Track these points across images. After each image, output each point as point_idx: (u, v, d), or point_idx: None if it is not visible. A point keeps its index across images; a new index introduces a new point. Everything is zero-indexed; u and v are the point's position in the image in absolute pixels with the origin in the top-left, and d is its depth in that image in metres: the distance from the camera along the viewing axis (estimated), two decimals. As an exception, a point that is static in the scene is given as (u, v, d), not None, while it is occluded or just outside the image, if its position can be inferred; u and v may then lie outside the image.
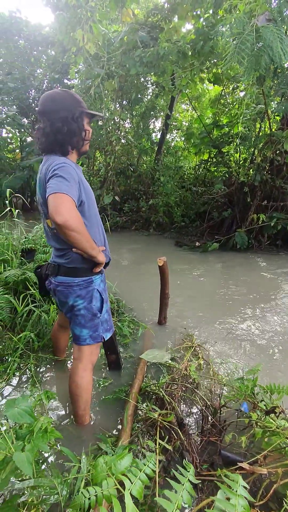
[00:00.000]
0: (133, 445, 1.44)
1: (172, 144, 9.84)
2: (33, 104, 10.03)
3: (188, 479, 0.96)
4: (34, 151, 9.18)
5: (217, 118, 7.68)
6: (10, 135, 10.28)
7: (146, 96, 8.18)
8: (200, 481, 1.21)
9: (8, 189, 3.20)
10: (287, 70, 4.79)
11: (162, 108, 8.30)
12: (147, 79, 7.34)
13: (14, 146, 10.83)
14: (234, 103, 7.47)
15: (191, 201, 7.57)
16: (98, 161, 9.24)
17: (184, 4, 5.04)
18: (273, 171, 5.68)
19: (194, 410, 1.75)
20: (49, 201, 1.15)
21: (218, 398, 1.65)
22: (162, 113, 8.46)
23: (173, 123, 9.37)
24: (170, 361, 2.12)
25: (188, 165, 9.24)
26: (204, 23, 5.17)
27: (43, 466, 1.34)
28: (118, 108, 7.21)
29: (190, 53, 5.34)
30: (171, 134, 10.00)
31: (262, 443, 1.38)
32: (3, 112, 8.91)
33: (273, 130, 5.58)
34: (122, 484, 0.96)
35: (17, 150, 10.75)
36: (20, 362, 2.06)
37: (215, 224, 6.77)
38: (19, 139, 10.39)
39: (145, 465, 1.03)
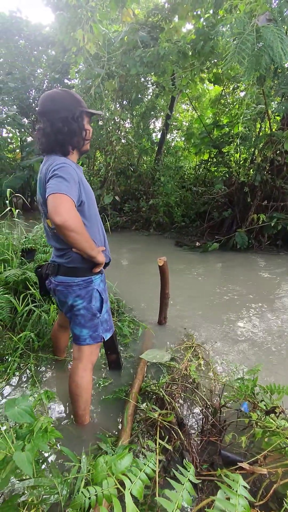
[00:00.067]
0: (133, 445, 1.44)
1: (173, 144, 9.84)
2: (33, 104, 10.04)
3: (189, 479, 0.96)
4: (34, 151, 9.19)
5: (218, 118, 7.68)
6: (10, 135, 10.30)
7: (146, 96, 8.19)
8: (200, 481, 1.21)
9: (8, 189, 3.20)
10: (287, 70, 4.79)
11: (162, 108, 8.30)
12: (147, 79, 7.34)
13: (14, 146, 10.84)
14: (235, 103, 7.47)
15: (191, 201, 7.58)
16: (98, 161, 9.24)
17: (185, 4, 5.04)
18: (273, 171, 5.68)
19: (194, 410, 1.75)
20: (48, 202, 1.15)
21: (218, 398, 1.65)
22: (162, 113, 8.46)
23: (173, 123, 9.37)
24: (170, 361, 2.12)
25: (188, 165, 9.24)
26: (204, 23, 5.18)
27: (43, 466, 1.33)
28: (118, 108, 7.21)
29: (190, 53, 5.34)
30: (171, 134, 10.01)
31: (262, 443, 1.38)
32: (3, 112, 8.92)
33: (274, 130, 5.59)
34: (122, 483, 0.96)
35: (17, 150, 10.76)
36: (20, 362, 2.06)
37: (215, 224, 6.77)
38: (19, 139, 10.41)
39: (145, 464, 1.03)
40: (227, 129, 7.00)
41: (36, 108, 1.50)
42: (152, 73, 6.25)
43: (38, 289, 2.19)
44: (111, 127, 6.86)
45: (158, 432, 1.43)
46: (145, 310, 3.08)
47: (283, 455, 1.28)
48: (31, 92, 10.08)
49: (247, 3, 3.01)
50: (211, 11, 5.14)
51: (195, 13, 5.20)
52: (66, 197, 1.15)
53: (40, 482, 1.00)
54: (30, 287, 2.42)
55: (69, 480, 1.07)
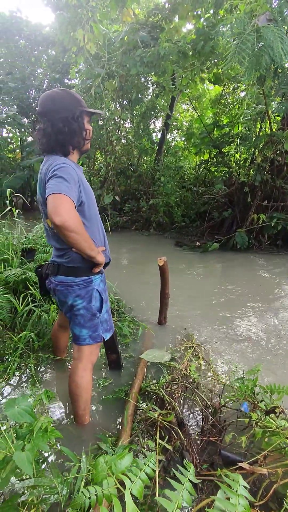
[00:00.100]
0: (133, 445, 1.44)
1: (173, 144, 9.84)
2: (33, 104, 10.04)
3: (189, 479, 0.96)
4: (34, 151, 9.19)
5: (218, 118, 7.69)
6: (11, 134, 10.30)
7: (146, 96, 8.19)
8: (200, 481, 1.21)
9: (9, 189, 3.20)
10: (287, 70, 4.79)
11: (162, 108, 8.30)
12: (147, 79, 7.34)
13: (14, 145, 10.84)
14: (235, 103, 7.47)
15: (191, 201, 7.58)
16: (99, 161, 9.24)
17: (185, 4, 5.05)
18: (274, 171, 5.69)
19: (194, 410, 1.75)
20: (48, 202, 1.15)
21: (218, 398, 1.65)
22: (162, 113, 8.47)
23: (174, 123, 9.37)
24: (170, 361, 2.12)
25: (188, 165, 9.24)
26: (204, 23, 5.18)
27: (43, 466, 1.33)
28: (118, 108, 7.22)
29: (190, 53, 5.35)
30: (172, 134, 10.00)
31: (262, 443, 1.38)
32: (3, 112, 8.92)
33: (274, 130, 5.59)
34: (122, 483, 0.96)
35: (18, 150, 10.76)
36: (20, 361, 2.06)
37: (215, 224, 6.78)
38: (19, 139, 10.41)
39: (145, 464, 1.03)
40: (227, 129, 7.00)
41: (36, 108, 1.50)
42: (152, 73, 6.26)
43: (38, 289, 2.19)
44: (111, 127, 6.86)
45: (158, 432, 1.43)
46: (145, 310, 3.08)
47: (283, 455, 1.28)
48: (31, 92, 10.08)
49: (247, 3, 3.01)
50: (211, 11, 5.15)
51: (195, 13, 5.21)
52: (66, 197, 1.15)
53: (40, 482, 1.00)
54: (30, 287, 2.42)
55: (69, 480, 1.07)
